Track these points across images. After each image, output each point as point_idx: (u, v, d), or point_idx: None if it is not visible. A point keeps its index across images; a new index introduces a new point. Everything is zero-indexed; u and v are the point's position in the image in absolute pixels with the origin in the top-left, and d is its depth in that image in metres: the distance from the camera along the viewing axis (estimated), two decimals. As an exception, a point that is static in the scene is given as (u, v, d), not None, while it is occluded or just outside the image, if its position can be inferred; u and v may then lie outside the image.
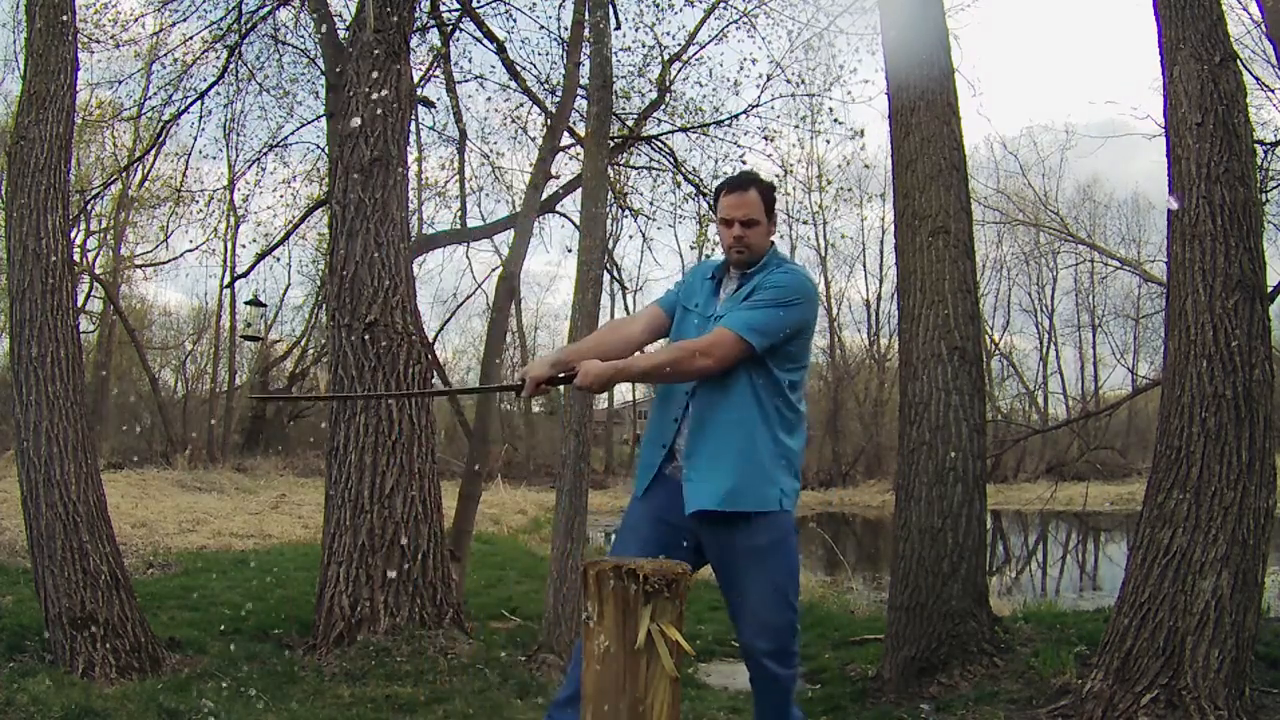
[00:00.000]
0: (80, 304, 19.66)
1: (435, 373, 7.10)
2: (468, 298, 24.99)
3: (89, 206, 15.48)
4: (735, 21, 10.03)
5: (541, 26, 13.63)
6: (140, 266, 26.26)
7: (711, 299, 2.88)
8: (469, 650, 5.19)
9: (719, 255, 2.98)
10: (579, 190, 7.42)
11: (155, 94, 10.43)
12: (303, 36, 9.81)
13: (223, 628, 5.75)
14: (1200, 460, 3.84)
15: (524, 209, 7.77)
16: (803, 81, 10.38)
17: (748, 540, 2.76)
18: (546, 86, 9.73)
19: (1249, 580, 3.77)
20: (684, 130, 10.51)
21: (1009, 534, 20.97)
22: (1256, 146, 5.02)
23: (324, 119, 8.80)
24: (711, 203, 2.99)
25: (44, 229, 4.73)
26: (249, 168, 12.18)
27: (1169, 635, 3.75)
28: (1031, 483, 24.50)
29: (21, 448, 4.60)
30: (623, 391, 41.28)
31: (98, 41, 9.56)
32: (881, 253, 32.83)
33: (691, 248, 26.29)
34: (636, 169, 11.26)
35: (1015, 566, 16.49)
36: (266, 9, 9.39)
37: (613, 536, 2.96)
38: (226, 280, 23.70)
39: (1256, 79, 8.14)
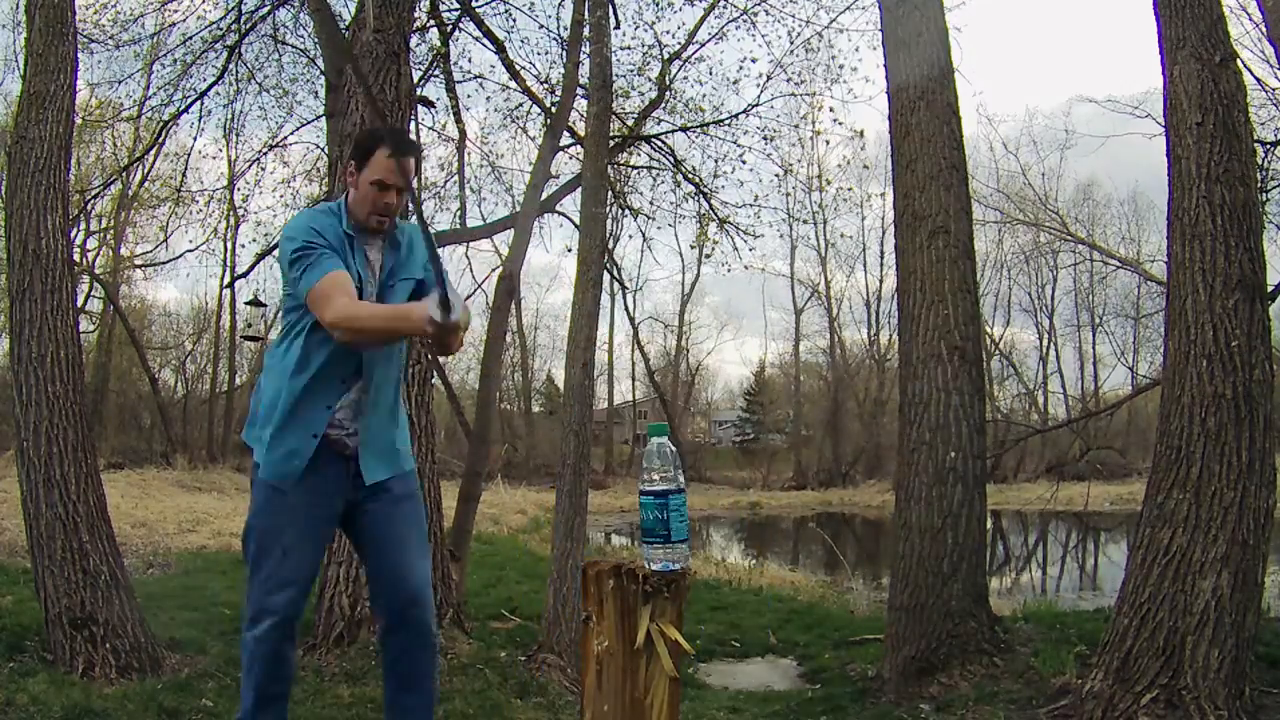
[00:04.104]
0: (80, 304, 19.70)
1: (435, 373, 7.09)
2: (468, 298, 24.89)
3: (89, 206, 15.48)
4: (735, 20, 10.04)
5: (541, 26, 13.66)
6: (140, 266, 26.32)
7: (362, 262, 2.62)
8: (469, 650, 5.19)
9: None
10: (579, 190, 7.42)
11: (155, 94, 10.45)
12: (302, 36, 9.82)
13: (223, 628, 5.75)
14: (1200, 460, 3.84)
15: (524, 209, 7.76)
16: (803, 81, 10.39)
17: (405, 491, 2.72)
18: (546, 86, 9.73)
19: (1249, 580, 3.77)
20: (684, 130, 10.51)
21: (1009, 534, 20.97)
22: (1256, 146, 5.02)
23: (324, 119, 8.80)
24: (357, 150, 2.66)
25: (44, 229, 4.72)
26: (249, 168, 12.18)
27: (1169, 635, 3.75)
28: (1031, 483, 24.52)
29: (21, 448, 4.60)
30: (623, 391, 41.41)
31: (98, 41, 9.56)
32: (882, 251, 32.94)
33: (692, 247, 26.38)
34: (636, 169, 11.27)
35: (1015, 566, 16.49)
36: (266, 9, 9.39)
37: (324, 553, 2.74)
38: (226, 280, 23.75)
39: (1256, 79, 8.14)
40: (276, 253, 2.71)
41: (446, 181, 10.97)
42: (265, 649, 2.53)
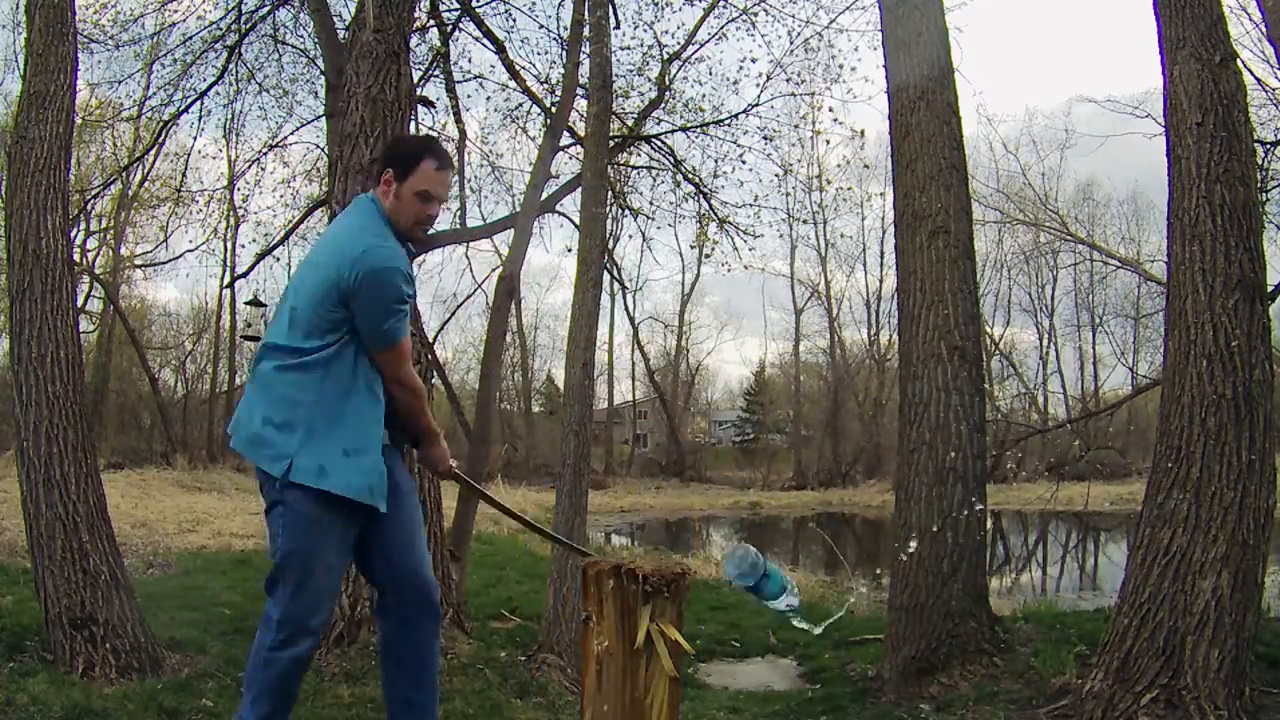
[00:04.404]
0: (80, 304, 19.70)
1: (435, 372, 7.10)
2: (468, 298, 25.03)
3: (89, 206, 15.49)
4: (735, 19, 10.04)
5: (541, 26, 13.63)
6: (140, 266, 26.33)
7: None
8: (469, 650, 5.18)
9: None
10: (579, 190, 7.42)
11: (155, 94, 10.46)
12: (303, 36, 9.83)
13: (223, 628, 5.75)
14: (1200, 460, 3.84)
15: (524, 209, 7.76)
16: (803, 81, 10.39)
17: (410, 487, 2.78)
18: (546, 86, 9.74)
19: (1249, 580, 3.76)
20: (684, 130, 10.51)
21: (1009, 534, 20.98)
22: (1256, 146, 5.02)
23: (324, 119, 8.81)
24: (397, 159, 2.66)
25: (44, 229, 4.72)
26: (249, 168, 12.20)
27: (1169, 635, 3.75)
28: (1031, 483, 24.52)
29: (21, 448, 4.60)
30: (623, 391, 41.42)
31: (98, 41, 9.57)
32: (882, 251, 32.93)
33: (692, 247, 26.36)
34: (636, 169, 11.27)
35: (1015, 566, 16.49)
36: (266, 9, 9.40)
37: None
38: (226, 280, 23.74)
39: (1257, 79, 8.14)
40: (354, 265, 2.50)
41: (446, 182, 10.96)
42: (299, 667, 2.52)
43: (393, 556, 2.67)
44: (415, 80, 7.05)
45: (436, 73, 9.47)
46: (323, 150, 10.14)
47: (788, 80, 10.40)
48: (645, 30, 12.05)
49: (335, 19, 8.36)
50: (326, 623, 2.62)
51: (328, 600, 2.57)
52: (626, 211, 11.71)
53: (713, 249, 11.28)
